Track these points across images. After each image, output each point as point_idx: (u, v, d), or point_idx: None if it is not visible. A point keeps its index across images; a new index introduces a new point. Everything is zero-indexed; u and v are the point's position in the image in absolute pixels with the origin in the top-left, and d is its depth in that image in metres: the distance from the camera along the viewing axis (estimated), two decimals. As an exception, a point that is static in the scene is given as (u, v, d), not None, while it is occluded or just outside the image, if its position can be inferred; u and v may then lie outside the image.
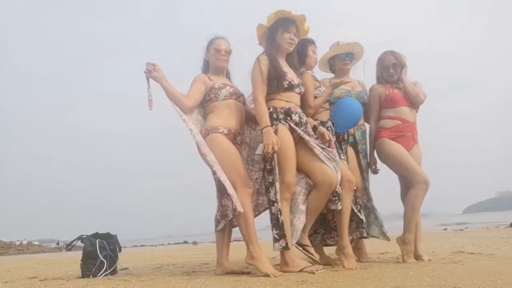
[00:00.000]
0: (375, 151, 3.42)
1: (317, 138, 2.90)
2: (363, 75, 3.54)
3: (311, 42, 3.25)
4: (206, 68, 3.12)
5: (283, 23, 2.85)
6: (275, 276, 2.53)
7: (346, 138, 3.30)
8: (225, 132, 2.86)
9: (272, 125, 2.75)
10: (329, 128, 3.11)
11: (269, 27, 2.88)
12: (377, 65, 3.46)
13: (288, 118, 2.81)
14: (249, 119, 3.09)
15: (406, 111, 3.31)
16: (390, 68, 3.37)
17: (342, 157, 3.15)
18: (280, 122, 2.78)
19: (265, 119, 2.74)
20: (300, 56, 3.15)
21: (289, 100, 2.86)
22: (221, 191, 2.85)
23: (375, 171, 3.47)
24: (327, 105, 3.25)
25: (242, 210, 2.66)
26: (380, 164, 3.43)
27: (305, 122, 2.91)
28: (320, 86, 3.21)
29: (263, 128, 2.73)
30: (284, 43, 2.87)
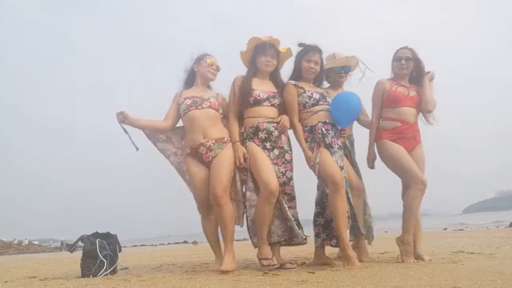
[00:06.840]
0: (375, 150, 3.40)
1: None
2: (359, 81, 3.53)
3: (307, 52, 3.21)
4: (191, 79, 3.33)
5: (260, 48, 3.17)
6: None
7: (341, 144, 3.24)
8: (188, 151, 3.16)
9: (244, 143, 3.11)
10: (320, 130, 3.07)
11: (252, 52, 3.20)
12: (392, 57, 3.42)
13: (256, 137, 3.09)
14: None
15: (407, 111, 3.29)
16: (402, 59, 3.35)
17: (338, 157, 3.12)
18: (249, 140, 3.11)
19: (233, 136, 3.12)
20: (296, 72, 3.25)
21: (257, 115, 3.11)
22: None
23: (372, 167, 3.43)
24: (315, 109, 3.15)
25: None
26: (380, 164, 3.42)
27: (275, 136, 3.11)
28: (304, 92, 3.15)
29: (232, 144, 3.10)
30: (261, 65, 3.19)
